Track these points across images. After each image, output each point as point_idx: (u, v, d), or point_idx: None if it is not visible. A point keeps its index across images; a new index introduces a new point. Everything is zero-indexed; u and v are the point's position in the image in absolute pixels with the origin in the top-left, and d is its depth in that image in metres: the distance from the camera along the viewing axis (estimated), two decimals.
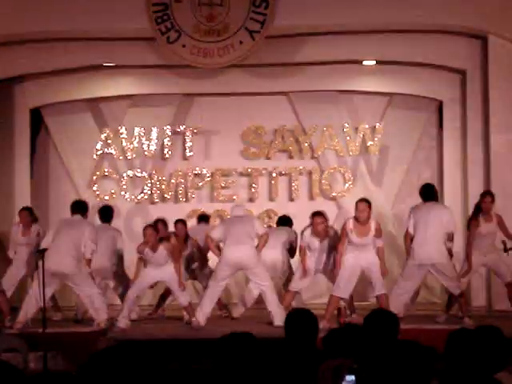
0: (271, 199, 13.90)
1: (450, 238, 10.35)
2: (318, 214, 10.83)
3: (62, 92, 13.56)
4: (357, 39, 12.71)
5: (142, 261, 10.63)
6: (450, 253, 10.41)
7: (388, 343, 4.55)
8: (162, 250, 10.43)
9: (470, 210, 11.09)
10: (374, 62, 13.36)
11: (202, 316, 10.50)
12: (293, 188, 13.80)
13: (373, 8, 12.12)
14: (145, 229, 10.61)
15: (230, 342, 4.15)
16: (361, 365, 4.26)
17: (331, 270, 10.71)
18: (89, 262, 10.35)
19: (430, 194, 10.58)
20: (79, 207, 10.67)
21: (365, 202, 10.43)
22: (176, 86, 13.66)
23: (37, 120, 13.86)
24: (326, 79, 13.52)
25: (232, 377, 4.04)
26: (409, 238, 10.41)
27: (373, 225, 10.29)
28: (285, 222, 12.05)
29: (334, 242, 10.63)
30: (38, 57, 12.87)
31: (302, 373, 4.69)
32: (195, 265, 11.87)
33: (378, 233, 10.32)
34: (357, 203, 10.46)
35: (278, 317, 10.23)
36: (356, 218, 10.29)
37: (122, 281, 11.52)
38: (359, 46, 12.79)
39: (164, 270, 10.51)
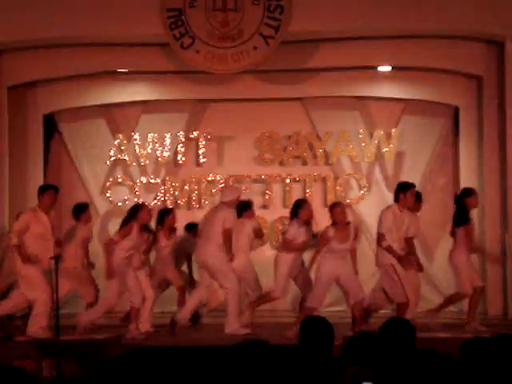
0: (285, 206, 13.81)
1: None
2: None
3: (75, 98, 13.55)
4: (372, 45, 12.64)
5: None
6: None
7: (405, 352, 4.48)
8: None
9: (487, 218, 10.98)
10: (390, 68, 13.30)
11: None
12: (307, 194, 13.72)
13: (388, 13, 12.06)
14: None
15: (245, 350, 4.08)
16: (378, 373, 4.20)
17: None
18: None
19: None
20: None
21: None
22: (190, 92, 13.63)
23: (50, 126, 13.86)
24: (340, 85, 13.46)
25: None
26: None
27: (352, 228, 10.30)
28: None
29: None
30: (51, 62, 12.86)
31: (318, 381, 4.62)
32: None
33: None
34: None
35: (230, 325, 10.11)
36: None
37: None
38: (374, 52, 12.73)
39: None
